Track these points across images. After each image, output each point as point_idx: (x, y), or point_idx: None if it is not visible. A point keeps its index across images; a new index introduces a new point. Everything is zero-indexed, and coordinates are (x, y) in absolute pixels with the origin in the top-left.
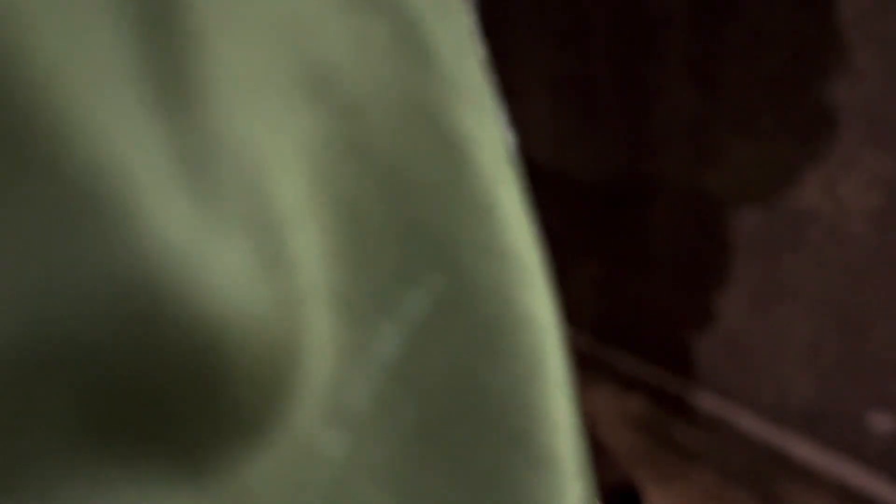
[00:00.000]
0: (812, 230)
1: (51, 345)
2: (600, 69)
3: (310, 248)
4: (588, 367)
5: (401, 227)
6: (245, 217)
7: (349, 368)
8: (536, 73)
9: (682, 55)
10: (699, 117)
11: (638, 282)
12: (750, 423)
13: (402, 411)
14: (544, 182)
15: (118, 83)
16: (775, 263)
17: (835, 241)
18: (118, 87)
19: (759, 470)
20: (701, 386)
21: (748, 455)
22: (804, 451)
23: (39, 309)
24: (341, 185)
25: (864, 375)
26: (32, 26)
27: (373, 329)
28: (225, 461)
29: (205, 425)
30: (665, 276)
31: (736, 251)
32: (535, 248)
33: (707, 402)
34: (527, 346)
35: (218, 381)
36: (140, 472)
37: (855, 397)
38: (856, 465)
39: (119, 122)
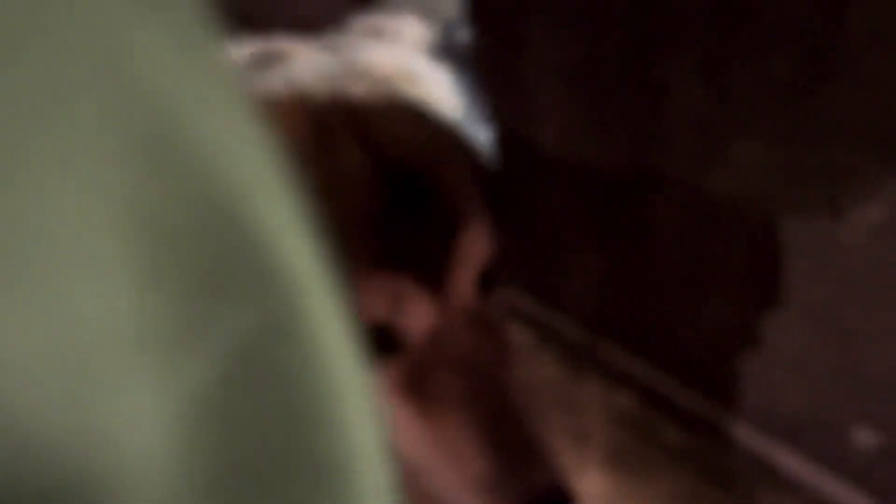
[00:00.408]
0: (810, 239)
1: None
2: (614, 61)
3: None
4: (580, 359)
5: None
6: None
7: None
8: (550, 62)
9: (695, 53)
10: (707, 117)
11: (637, 278)
12: (736, 428)
13: (211, 444)
14: (551, 170)
15: None
16: (773, 270)
17: (832, 252)
18: None
19: (741, 475)
20: (691, 387)
21: (731, 459)
22: (788, 460)
23: None
24: (147, 211)
25: (852, 390)
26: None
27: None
28: None
29: None
30: (664, 274)
31: (735, 255)
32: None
33: (695, 403)
34: (328, 381)
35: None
36: None
37: (842, 411)
38: (838, 478)
39: None
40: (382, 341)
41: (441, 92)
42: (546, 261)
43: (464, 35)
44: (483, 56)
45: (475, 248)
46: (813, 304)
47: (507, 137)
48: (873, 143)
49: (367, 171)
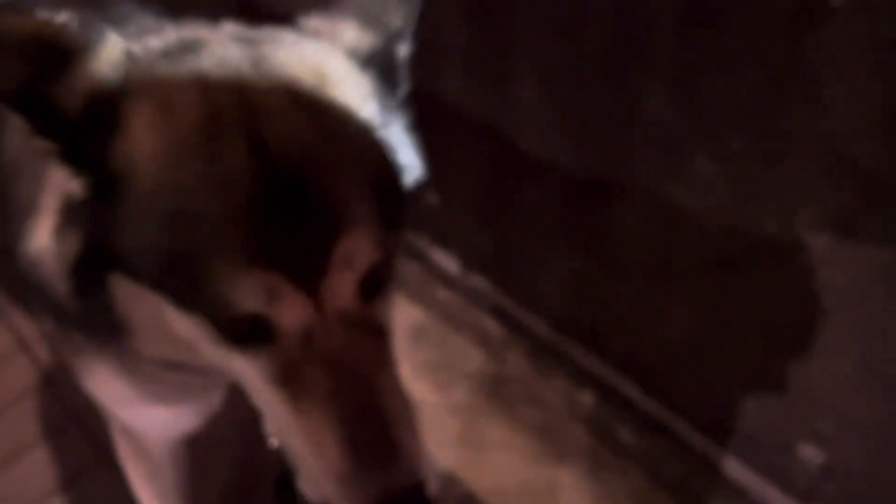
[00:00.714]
0: (767, 255)
1: None
2: (589, 67)
3: None
4: (548, 356)
5: None
6: None
7: None
8: (529, 62)
9: (665, 68)
10: (674, 128)
11: (601, 281)
12: (689, 435)
13: None
14: (527, 169)
15: None
16: (731, 282)
17: (786, 268)
18: None
19: (691, 480)
20: (648, 392)
21: (683, 464)
22: (736, 469)
23: None
24: None
25: (801, 407)
26: None
27: None
28: None
29: None
30: (627, 279)
31: (695, 265)
32: None
33: (652, 408)
34: None
35: None
36: None
37: (790, 427)
38: (783, 492)
39: None
40: (257, 331)
41: (357, 97)
42: (520, 258)
43: (405, 48)
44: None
45: (357, 253)
46: (768, 318)
47: (486, 134)
48: (827, 162)
49: (250, 168)
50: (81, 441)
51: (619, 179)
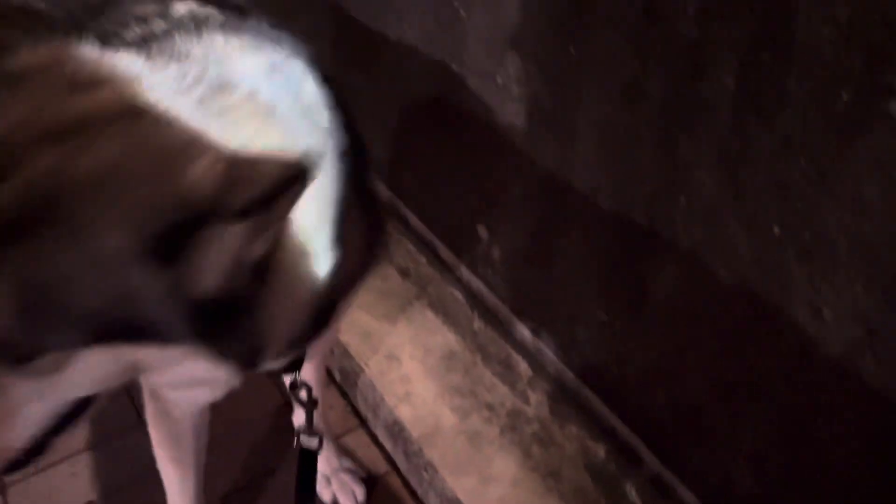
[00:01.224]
0: (792, 339)
1: None
2: (646, 132)
3: None
4: (566, 402)
5: None
6: None
7: None
8: (591, 120)
9: (717, 143)
10: (717, 204)
11: (631, 337)
12: (692, 500)
13: None
14: (575, 219)
15: None
16: (754, 359)
17: (810, 357)
18: None
19: None
20: (660, 453)
21: None
22: None
23: None
24: None
25: (810, 483)
26: None
27: None
28: None
29: None
30: (655, 338)
31: (721, 336)
32: None
33: (661, 469)
34: None
35: None
36: None
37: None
38: None
39: None
40: None
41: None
42: (557, 303)
43: None
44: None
45: None
46: (784, 400)
47: (541, 180)
48: (860, 263)
49: None
50: (124, 399)
51: (661, 241)
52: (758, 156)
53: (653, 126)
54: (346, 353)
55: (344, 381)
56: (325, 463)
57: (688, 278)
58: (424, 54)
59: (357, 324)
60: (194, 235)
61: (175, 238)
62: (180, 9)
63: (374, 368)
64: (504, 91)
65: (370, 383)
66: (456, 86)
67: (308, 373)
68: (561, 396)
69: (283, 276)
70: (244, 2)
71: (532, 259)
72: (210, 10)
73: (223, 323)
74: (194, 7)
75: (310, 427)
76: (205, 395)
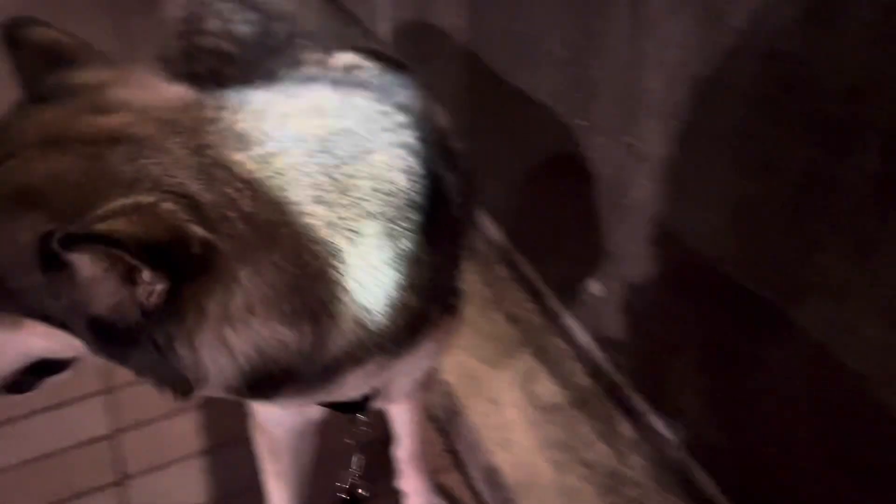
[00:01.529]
0: None
1: None
2: (776, 205)
3: None
4: (668, 471)
5: None
6: None
7: None
8: (724, 187)
9: (849, 224)
10: (847, 285)
11: (738, 409)
12: None
13: None
14: (698, 281)
15: None
16: (872, 467)
17: None
18: None
19: None
20: None
21: None
22: None
23: None
24: None
25: None
26: None
27: None
28: None
29: None
30: (765, 416)
31: (839, 428)
32: None
33: None
34: None
35: None
36: None
37: None
38: None
39: None
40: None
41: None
42: (667, 367)
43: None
44: None
45: None
46: None
47: (670, 240)
48: None
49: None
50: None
51: (785, 317)
52: (891, 241)
53: (786, 202)
54: (448, 392)
55: (444, 419)
56: (420, 499)
57: (810, 362)
58: (553, 108)
59: (463, 365)
60: (67, 254)
61: (50, 251)
62: (340, 60)
63: (474, 411)
64: (632, 152)
65: (470, 425)
66: (582, 142)
67: (400, 415)
68: (663, 462)
69: (215, 324)
70: (398, 55)
71: (644, 319)
72: (364, 62)
73: (129, 346)
74: (351, 58)
75: (358, 477)
76: (293, 416)
